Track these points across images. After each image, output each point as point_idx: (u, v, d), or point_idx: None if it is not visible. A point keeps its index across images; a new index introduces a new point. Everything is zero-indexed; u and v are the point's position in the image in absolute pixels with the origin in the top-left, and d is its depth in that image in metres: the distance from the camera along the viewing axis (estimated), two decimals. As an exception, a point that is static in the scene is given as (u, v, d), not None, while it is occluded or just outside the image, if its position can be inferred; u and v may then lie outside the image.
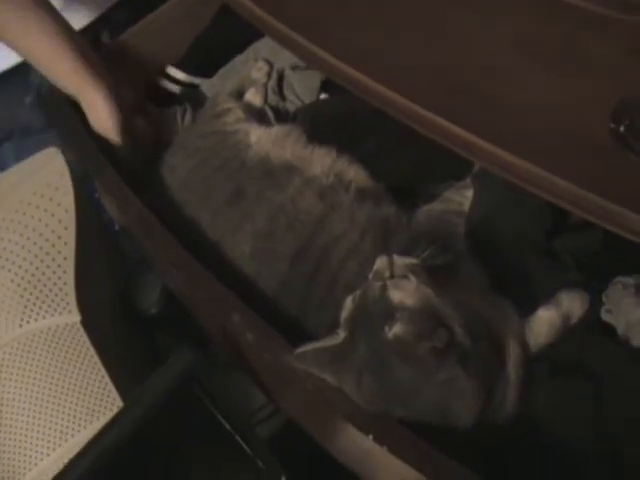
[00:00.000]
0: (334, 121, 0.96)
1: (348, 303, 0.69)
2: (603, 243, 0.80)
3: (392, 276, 0.68)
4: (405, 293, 0.66)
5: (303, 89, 1.03)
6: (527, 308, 0.77)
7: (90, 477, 0.78)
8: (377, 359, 0.66)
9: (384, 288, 0.67)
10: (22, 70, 1.15)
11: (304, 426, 0.88)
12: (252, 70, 1.06)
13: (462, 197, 0.84)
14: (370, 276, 0.69)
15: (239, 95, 1.04)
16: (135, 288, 1.08)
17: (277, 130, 0.93)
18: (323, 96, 1.03)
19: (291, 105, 1.04)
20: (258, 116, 0.99)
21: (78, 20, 1.17)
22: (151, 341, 1.12)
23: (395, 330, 0.64)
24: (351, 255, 0.79)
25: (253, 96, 1.04)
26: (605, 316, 0.79)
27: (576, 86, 0.67)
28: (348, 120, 0.93)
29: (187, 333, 1.05)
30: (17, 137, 1.24)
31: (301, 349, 0.67)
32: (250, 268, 0.83)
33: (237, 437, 0.83)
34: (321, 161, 0.88)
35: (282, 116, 1.02)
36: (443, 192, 0.88)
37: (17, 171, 1.09)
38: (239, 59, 1.10)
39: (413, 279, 0.67)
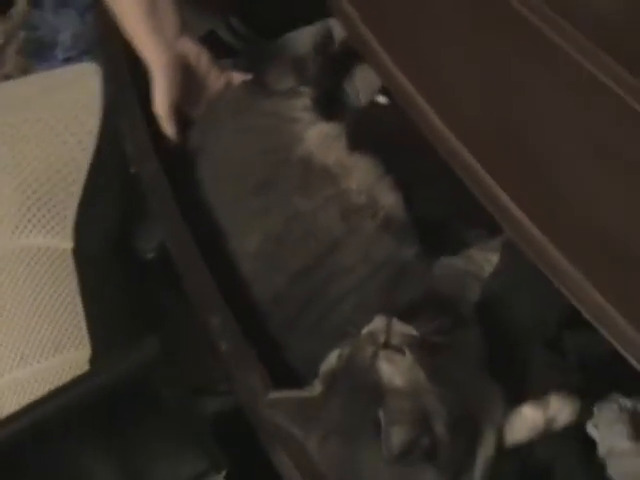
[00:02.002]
0: (387, 134, 0.90)
1: (332, 358, 0.65)
2: (613, 353, 0.75)
3: (387, 342, 0.64)
4: (396, 370, 0.62)
5: (363, 85, 0.98)
6: (515, 397, 0.73)
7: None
8: (349, 427, 0.62)
9: (375, 356, 0.63)
10: None
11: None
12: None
13: (485, 260, 0.79)
14: (364, 332, 0.65)
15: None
16: (138, 229, 1.05)
17: (328, 129, 0.88)
18: (380, 97, 0.97)
19: (346, 96, 0.99)
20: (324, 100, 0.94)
21: None
22: (142, 288, 1.09)
23: (394, 439, 0.60)
24: (354, 292, 0.75)
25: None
26: (591, 430, 0.75)
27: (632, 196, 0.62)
28: (402, 137, 0.88)
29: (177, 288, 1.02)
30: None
31: (273, 395, 0.64)
32: (250, 269, 0.79)
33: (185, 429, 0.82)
34: (361, 175, 0.83)
35: (335, 106, 0.97)
36: (470, 241, 0.84)
37: (51, 77, 1.05)
38: (310, 31, 1.05)
39: (408, 355, 0.63)
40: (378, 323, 0.65)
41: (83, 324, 0.94)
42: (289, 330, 0.75)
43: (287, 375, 0.71)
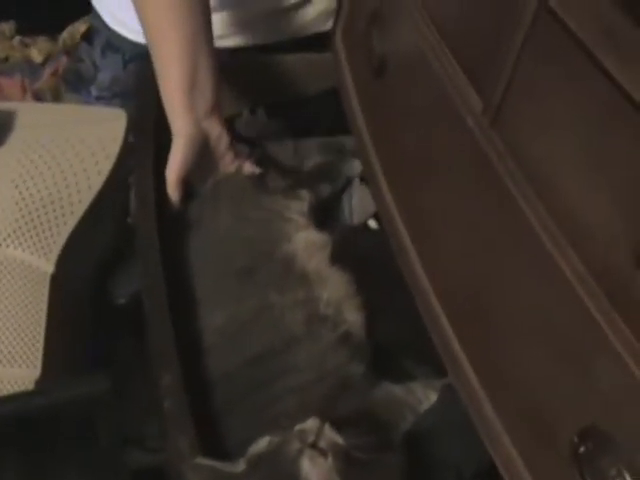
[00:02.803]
0: (369, 257, 0.97)
1: (262, 443, 0.70)
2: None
3: (315, 444, 0.69)
4: (316, 471, 0.67)
5: (358, 205, 1.05)
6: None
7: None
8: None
9: (300, 453, 0.68)
10: None
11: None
12: (344, 165, 1.09)
13: (425, 396, 0.85)
14: (297, 428, 0.70)
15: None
16: (118, 272, 1.10)
17: (316, 237, 0.95)
18: (371, 222, 1.05)
19: (341, 211, 1.06)
20: (319, 210, 1.02)
21: None
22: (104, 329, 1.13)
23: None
24: (298, 392, 0.80)
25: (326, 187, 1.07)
26: None
27: (567, 385, 0.67)
28: (380, 261, 0.95)
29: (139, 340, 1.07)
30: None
31: (199, 461, 0.68)
32: (210, 341, 0.84)
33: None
34: (334, 288, 0.89)
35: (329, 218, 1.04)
36: (415, 375, 0.90)
37: (82, 112, 1.12)
38: (320, 141, 1.13)
39: (330, 461, 0.68)
40: (311, 424, 0.70)
41: (40, 346, 0.98)
42: (230, 408, 0.80)
43: (217, 449, 0.75)
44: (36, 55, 1.69)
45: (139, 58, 1.21)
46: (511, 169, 0.68)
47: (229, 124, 1.06)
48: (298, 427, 0.71)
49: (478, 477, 0.83)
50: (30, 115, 1.09)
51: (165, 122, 0.99)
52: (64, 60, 1.64)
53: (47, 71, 1.63)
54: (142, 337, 1.08)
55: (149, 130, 1.00)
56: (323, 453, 0.68)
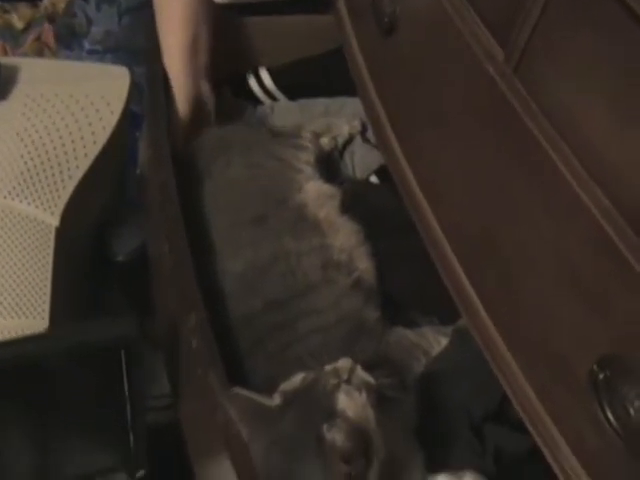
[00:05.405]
0: (375, 209, 1.00)
1: (297, 379, 0.72)
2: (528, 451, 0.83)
3: (349, 381, 0.71)
4: (352, 404, 0.70)
5: (361, 162, 1.08)
6: (434, 467, 0.81)
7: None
8: (296, 443, 0.69)
9: (337, 388, 0.70)
10: None
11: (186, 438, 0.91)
12: (345, 123, 1.11)
13: (436, 341, 0.88)
14: (328, 368, 0.73)
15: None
16: (117, 229, 1.10)
17: (326, 188, 0.97)
18: (373, 177, 1.07)
19: (344, 167, 1.09)
20: (323, 163, 1.04)
21: None
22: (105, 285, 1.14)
23: (334, 436, 0.67)
24: (320, 332, 0.83)
25: (329, 142, 1.09)
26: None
27: (586, 318, 0.70)
28: (387, 214, 0.98)
29: (135, 297, 1.08)
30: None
31: (237, 390, 0.70)
32: (230, 286, 0.86)
33: (127, 418, 0.86)
34: (345, 236, 0.92)
35: (332, 172, 1.07)
36: (421, 324, 0.93)
37: (85, 69, 1.12)
38: (324, 102, 1.15)
39: (364, 396, 0.70)
40: (344, 363, 0.73)
41: (47, 297, 0.98)
42: (253, 349, 0.82)
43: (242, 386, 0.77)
44: (17, 21, 1.67)
45: (133, 10, 1.23)
46: (534, 113, 0.70)
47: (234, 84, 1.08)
48: (330, 366, 0.73)
49: (487, 417, 0.86)
50: (33, 70, 1.08)
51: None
52: (46, 27, 1.63)
53: (30, 37, 1.62)
54: (137, 294, 1.10)
55: (160, 85, 1.01)
56: (358, 389, 0.71)
